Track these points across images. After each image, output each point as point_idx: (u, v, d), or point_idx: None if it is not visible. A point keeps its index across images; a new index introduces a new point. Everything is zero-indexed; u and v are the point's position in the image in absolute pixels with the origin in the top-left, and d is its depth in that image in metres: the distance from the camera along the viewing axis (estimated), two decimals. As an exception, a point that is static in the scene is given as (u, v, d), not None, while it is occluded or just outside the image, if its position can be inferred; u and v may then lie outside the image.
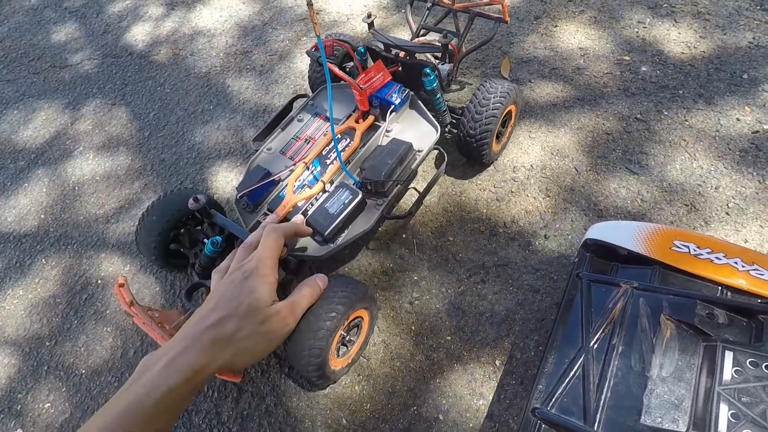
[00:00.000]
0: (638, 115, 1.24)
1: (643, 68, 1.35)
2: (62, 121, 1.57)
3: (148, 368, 0.34)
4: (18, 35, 1.97)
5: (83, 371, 1.02)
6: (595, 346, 0.74)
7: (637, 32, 1.44)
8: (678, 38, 1.40)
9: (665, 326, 0.72)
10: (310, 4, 0.69)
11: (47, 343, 1.07)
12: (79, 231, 1.26)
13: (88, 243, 1.23)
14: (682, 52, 1.36)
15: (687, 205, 1.07)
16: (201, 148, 1.39)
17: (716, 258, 0.77)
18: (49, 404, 0.99)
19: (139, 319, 0.82)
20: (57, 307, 1.13)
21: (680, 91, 1.27)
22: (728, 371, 0.65)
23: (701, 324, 0.70)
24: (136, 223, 0.96)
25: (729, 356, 0.66)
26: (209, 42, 1.73)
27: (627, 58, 1.38)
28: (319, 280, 0.49)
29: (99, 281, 1.15)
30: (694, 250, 0.79)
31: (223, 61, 1.65)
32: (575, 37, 1.46)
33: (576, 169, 1.17)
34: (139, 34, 1.83)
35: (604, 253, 0.86)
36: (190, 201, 0.90)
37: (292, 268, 0.85)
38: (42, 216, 1.32)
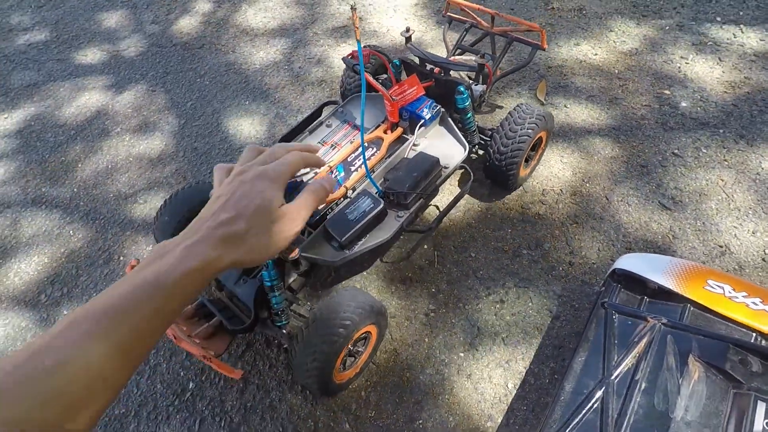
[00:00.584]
0: (675, 150, 1.22)
1: (683, 104, 1.32)
2: (104, 102, 1.62)
3: (167, 251, 0.35)
4: (71, 19, 2.05)
5: (95, 346, 1.03)
6: (617, 380, 0.72)
7: (678, 67, 1.42)
8: (721, 77, 1.37)
9: (694, 368, 0.69)
10: (353, 8, 0.70)
11: (64, 312, 1.09)
12: (108, 208, 1.29)
13: (114, 220, 1.26)
14: (725, 91, 1.33)
15: (721, 247, 1.04)
16: (233, 141, 1.42)
17: (753, 303, 0.74)
18: (59, 374, 1.00)
19: None
20: (78, 278, 1.15)
21: (721, 130, 1.25)
22: (759, 423, 0.62)
23: (733, 370, 0.67)
24: (154, 218, 0.97)
25: (761, 407, 0.63)
26: (251, 40, 1.77)
27: (667, 92, 1.36)
28: (327, 183, 0.49)
29: (121, 258, 1.17)
30: (730, 292, 0.76)
31: (262, 59, 1.68)
32: (615, 67, 1.45)
33: (607, 198, 1.15)
34: (185, 27, 1.89)
35: (632, 285, 0.83)
36: (211, 192, 0.90)
37: (304, 270, 0.84)
38: (74, 189, 1.35)
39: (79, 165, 1.42)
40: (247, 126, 1.46)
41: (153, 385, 0.96)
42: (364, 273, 1.07)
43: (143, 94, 1.63)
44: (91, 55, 1.83)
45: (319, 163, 0.55)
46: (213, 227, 0.38)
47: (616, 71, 1.44)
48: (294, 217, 0.44)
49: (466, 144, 1.06)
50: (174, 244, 0.36)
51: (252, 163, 0.46)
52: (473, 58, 1.22)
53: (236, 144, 1.41)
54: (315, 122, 1.14)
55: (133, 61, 1.77)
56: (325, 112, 1.19)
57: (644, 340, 0.73)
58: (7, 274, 1.18)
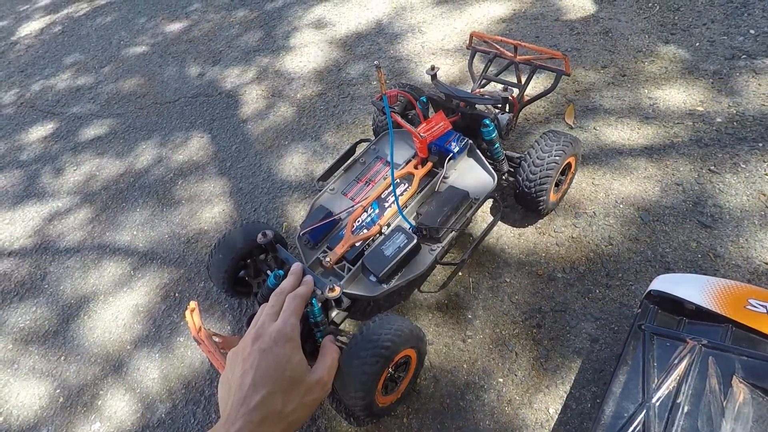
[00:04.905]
0: (712, 167, 1.20)
1: (718, 119, 1.31)
2: (158, 151, 1.78)
3: None
4: (129, 75, 2.28)
5: (155, 376, 1.11)
6: (658, 403, 0.71)
7: (712, 83, 1.41)
8: (758, 90, 1.35)
9: (738, 389, 0.68)
10: (378, 68, 0.76)
11: (128, 347, 1.19)
12: (163, 248, 1.41)
13: (170, 259, 1.37)
14: (763, 104, 1.31)
15: (767, 264, 1.00)
16: (275, 180, 1.52)
17: (798, 321, 0.72)
18: (125, 403, 1.08)
19: (205, 347, 0.87)
20: (138, 315, 1.25)
21: (760, 144, 1.22)
22: (812, 446, 0.60)
23: (780, 391, 0.66)
24: (207, 256, 1.06)
25: (813, 429, 0.61)
26: (289, 84, 1.90)
27: (700, 108, 1.35)
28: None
29: (176, 294, 1.27)
30: (773, 311, 0.74)
31: (299, 101, 1.80)
32: (644, 86, 1.46)
33: (642, 219, 1.14)
34: (228, 77, 2.06)
35: (669, 306, 0.83)
36: (259, 236, 0.98)
37: (346, 306, 0.89)
38: (134, 232, 1.48)
39: (138, 209, 1.56)
40: (287, 165, 1.56)
41: (208, 415, 1.03)
42: (401, 301, 1.11)
43: (192, 140, 1.78)
44: (147, 108, 2.03)
45: (309, 285, 0.59)
46: (250, 411, 0.39)
47: (646, 91, 1.44)
48: (326, 381, 0.47)
49: (495, 174, 1.10)
50: None
51: (263, 323, 0.48)
52: (498, 89, 1.26)
53: (278, 182, 1.51)
54: (349, 160, 1.22)
55: (183, 111, 1.95)
56: (359, 149, 1.27)
57: (684, 362, 0.73)
58: (79, 314, 1.30)
